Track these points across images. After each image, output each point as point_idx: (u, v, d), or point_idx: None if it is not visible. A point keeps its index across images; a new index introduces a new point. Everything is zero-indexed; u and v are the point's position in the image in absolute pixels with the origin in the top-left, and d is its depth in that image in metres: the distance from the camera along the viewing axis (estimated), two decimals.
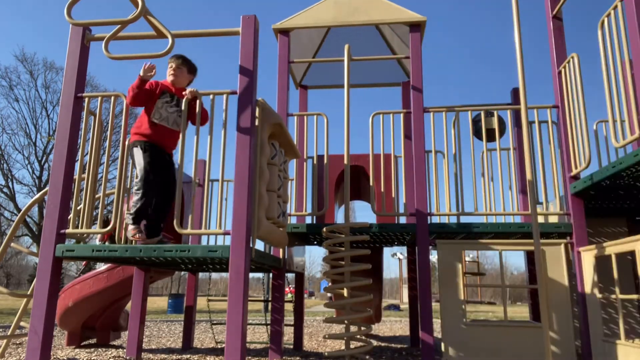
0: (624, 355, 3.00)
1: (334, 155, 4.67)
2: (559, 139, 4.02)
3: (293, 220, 4.30)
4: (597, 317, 3.34)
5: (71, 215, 3.45)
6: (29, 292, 3.96)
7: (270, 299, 4.16)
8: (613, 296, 3.17)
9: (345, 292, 3.35)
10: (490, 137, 4.39)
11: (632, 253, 3.11)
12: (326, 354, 3.33)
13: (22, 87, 26.32)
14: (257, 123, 3.25)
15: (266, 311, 8.36)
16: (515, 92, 5.19)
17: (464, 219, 4.08)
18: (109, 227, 3.42)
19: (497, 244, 3.59)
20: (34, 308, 3.08)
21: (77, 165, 3.44)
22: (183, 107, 3.32)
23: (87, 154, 3.88)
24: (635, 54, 2.88)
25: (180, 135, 3.31)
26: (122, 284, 4.69)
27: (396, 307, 23.07)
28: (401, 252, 37.36)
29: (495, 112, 4.22)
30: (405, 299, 34.98)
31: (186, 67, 3.66)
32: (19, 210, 25.12)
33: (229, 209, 5.45)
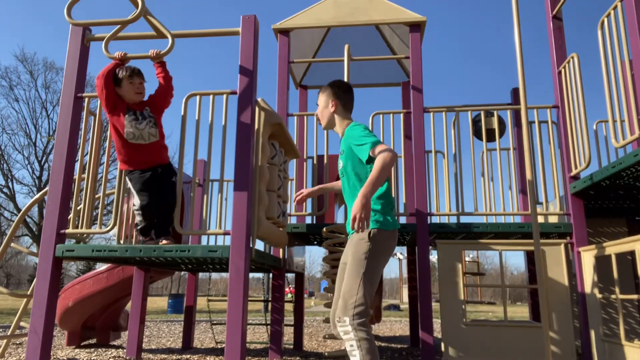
0: (623, 355, 3.00)
1: (334, 155, 4.66)
2: (559, 139, 4.02)
3: (293, 220, 4.30)
4: (597, 317, 3.34)
5: (71, 215, 3.45)
6: (29, 292, 3.96)
7: (270, 299, 4.16)
8: (613, 296, 3.17)
9: None
10: (490, 137, 4.40)
11: (632, 253, 3.12)
12: (326, 354, 3.33)
13: (22, 87, 26.32)
14: (257, 123, 3.25)
15: (266, 311, 8.37)
16: (515, 92, 5.19)
17: (464, 219, 4.09)
18: (109, 228, 3.42)
19: (497, 244, 3.59)
20: (34, 308, 3.08)
21: (77, 165, 3.44)
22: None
23: (87, 154, 3.89)
24: (635, 54, 2.88)
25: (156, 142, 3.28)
26: (122, 284, 4.68)
27: (396, 307, 23.07)
28: (401, 252, 37.36)
29: (495, 112, 4.22)
30: (405, 299, 34.99)
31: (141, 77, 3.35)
32: (19, 210, 25.11)
33: (229, 209, 5.46)
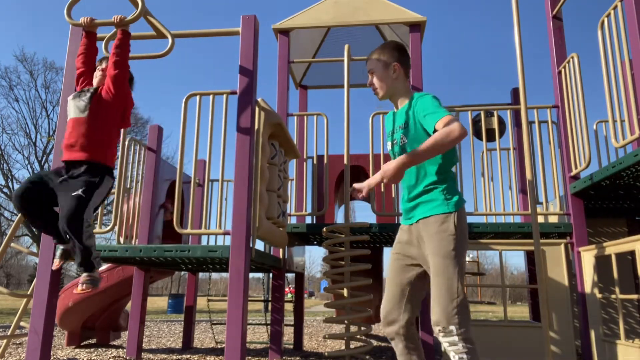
0: (624, 355, 3.00)
1: (334, 155, 4.66)
2: (559, 139, 4.02)
3: (293, 220, 4.30)
4: (597, 317, 3.34)
5: None
6: (29, 292, 3.96)
7: (270, 299, 4.16)
8: (613, 296, 3.17)
9: (345, 292, 3.35)
10: (490, 137, 4.40)
11: (632, 253, 3.12)
12: (326, 354, 3.33)
13: (22, 87, 26.30)
14: (257, 123, 3.25)
15: (266, 311, 8.36)
16: (515, 92, 5.19)
17: None
18: (109, 228, 3.42)
19: (497, 244, 3.59)
20: (34, 308, 3.08)
21: None
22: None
23: None
24: (635, 54, 2.88)
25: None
26: (122, 284, 4.69)
27: None
28: None
29: (495, 112, 4.22)
30: None
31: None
32: None
33: (229, 209, 5.46)
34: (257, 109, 3.27)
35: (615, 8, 3.09)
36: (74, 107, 2.63)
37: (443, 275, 1.86)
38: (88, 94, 2.65)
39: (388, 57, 2.19)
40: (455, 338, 1.80)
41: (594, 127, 4.67)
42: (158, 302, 22.81)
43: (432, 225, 1.92)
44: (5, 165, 25.26)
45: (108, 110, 2.63)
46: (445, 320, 1.82)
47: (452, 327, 1.80)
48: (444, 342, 1.83)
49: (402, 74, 2.18)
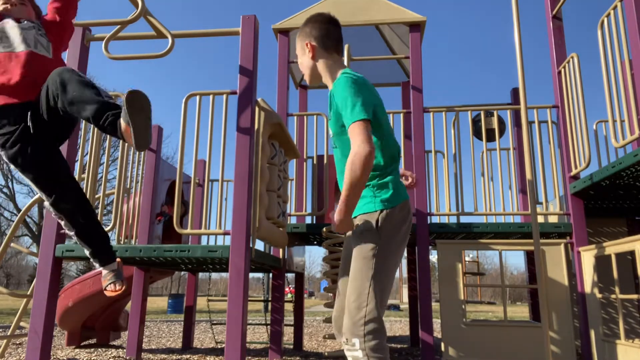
0: (624, 355, 3.00)
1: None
2: (558, 139, 4.02)
3: (293, 220, 4.30)
4: (597, 317, 3.34)
5: None
6: (29, 292, 3.96)
7: (270, 299, 4.16)
8: (613, 296, 3.17)
9: None
10: (490, 137, 4.40)
11: (632, 253, 3.12)
12: (326, 354, 3.33)
13: None
14: (257, 123, 3.25)
15: (266, 311, 8.36)
16: (515, 92, 5.19)
17: (463, 219, 4.09)
18: (109, 228, 3.42)
19: (497, 244, 3.59)
20: (34, 308, 3.08)
21: (77, 165, 3.44)
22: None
23: (87, 154, 3.89)
24: (635, 54, 2.88)
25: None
26: None
27: (396, 307, 23.08)
28: None
29: (495, 112, 4.22)
30: (405, 299, 34.98)
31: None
32: (19, 210, 25.12)
33: (229, 209, 5.46)
34: (257, 109, 3.27)
35: (615, 8, 3.09)
36: (27, 39, 2.16)
37: (356, 279, 1.64)
38: (41, 30, 2.24)
39: (303, 37, 1.90)
40: (359, 353, 1.55)
41: (594, 127, 4.67)
42: (158, 302, 22.80)
43: (357, 226, 1.72)
44: (5, 165, 25.26)
45: (60, 44, 2.33)
46: (349, 331, 1.59)
47: (355, 340, 1.56)
48: (348, 355, 1.61)
49: (321, 52, 1.87)
